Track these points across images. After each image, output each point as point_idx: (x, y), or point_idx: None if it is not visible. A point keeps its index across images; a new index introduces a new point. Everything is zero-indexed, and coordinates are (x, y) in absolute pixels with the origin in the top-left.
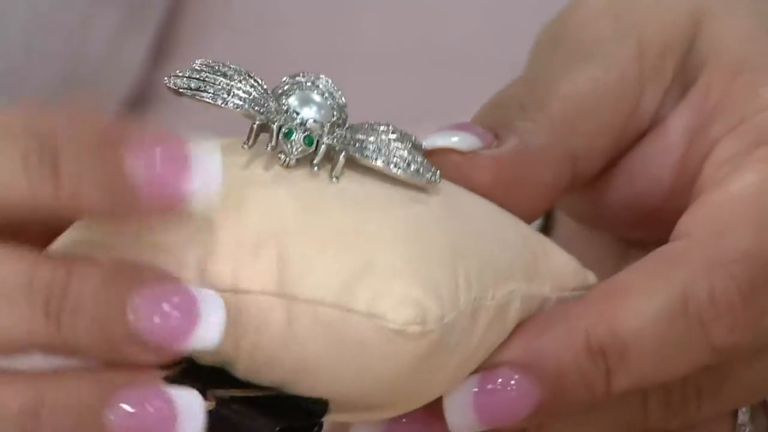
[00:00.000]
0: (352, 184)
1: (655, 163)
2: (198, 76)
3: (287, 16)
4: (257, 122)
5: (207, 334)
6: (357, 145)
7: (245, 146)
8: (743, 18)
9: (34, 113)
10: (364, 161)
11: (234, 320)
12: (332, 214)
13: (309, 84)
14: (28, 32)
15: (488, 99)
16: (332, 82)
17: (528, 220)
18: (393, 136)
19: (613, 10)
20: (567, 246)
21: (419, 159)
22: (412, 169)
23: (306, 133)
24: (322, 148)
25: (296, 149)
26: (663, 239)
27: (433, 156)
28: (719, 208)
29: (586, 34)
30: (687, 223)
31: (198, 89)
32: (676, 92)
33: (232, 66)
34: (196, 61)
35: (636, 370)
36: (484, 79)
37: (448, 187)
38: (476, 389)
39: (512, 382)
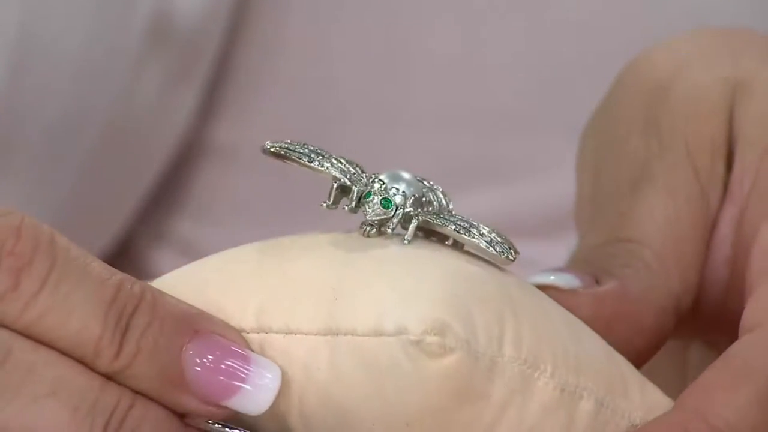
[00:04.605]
0: (424, 250)
1: (711, 263)
2: (291, 146)
3: (336, 73)
4: (338, 182)
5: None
6: (434, 215)
7: (323, 205)
8: None
9: (125, 287)
10: (437, 227)
11: (284, 365)
12: (390, 264)
13: (416, 181)
14: (77, 83)
15: (571, 255)
16: (441, 190)
17: (634, 365)
18: (472, 219)
19: (651, 118)
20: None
21: (495, 235)
22: (484, 240)
23: (384, 196)
24: (400, 213)
25: (373, 210)
26: (723, 339)
27: None
28: None
29: (635, 153)
30: (756, 312)
31: (294, 150)
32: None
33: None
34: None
35: None
36: (533, 139)
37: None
38: None
39: None
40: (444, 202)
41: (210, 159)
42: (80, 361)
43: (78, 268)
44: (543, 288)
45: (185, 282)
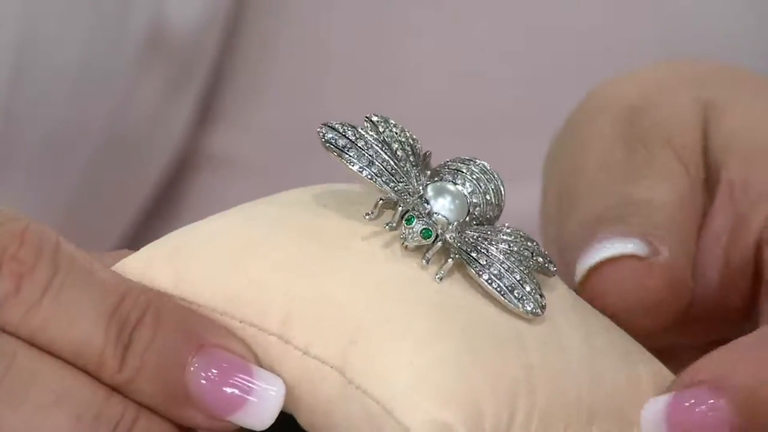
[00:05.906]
0: (456, 289)
1: (702, 266)
2: (350, 136)
3: (332, 81)
4: (383, 198)
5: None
6: (471, 253)
7: (367, 217)
8: (748, 103)
9: (131, 297)
10: (470, 273)
11: (298, 380)
12: (416, 313)
13: (464, 171)
14: (75, 93)
15: (573, 219)
16: (498, 178)
17: (660, 331)
18: (516, 248)
19: (629, 131)
20: None
21: (528, 287)
22: (513, 295)
23: (425, 226)
24: (438, 244)
25: (412, 238)
26: (697, 343)
27: (608, 264)
28: None
29: (623, 161)
30: None
31: (342, 148)
32: (708, 188)
33: (396, 129)
34: (373, 117)
35: None
36: (531, 141)
37: (564, 310)
38: (671, 405)
39: (708, 403)
40: (494, 200)
41: (207, 167)
42: (85, 371)
43: (82, 276)
44: (621, 258)
45: (221, 252)
